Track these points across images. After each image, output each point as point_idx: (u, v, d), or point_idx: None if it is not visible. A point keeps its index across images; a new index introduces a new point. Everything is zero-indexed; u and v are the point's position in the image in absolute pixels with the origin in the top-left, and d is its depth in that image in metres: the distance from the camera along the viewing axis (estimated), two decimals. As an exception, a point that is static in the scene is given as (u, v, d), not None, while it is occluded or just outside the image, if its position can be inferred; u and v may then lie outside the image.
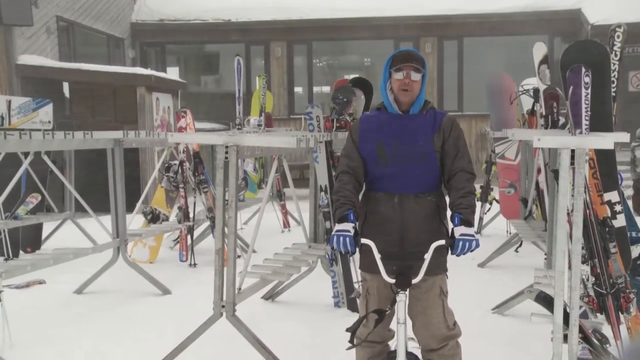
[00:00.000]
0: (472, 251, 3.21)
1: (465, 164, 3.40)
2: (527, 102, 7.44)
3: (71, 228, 8.51)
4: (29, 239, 8.30)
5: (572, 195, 3.43)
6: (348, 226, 3.25)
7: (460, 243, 3.17)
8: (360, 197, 3.58)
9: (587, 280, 4.06)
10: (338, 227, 3.26)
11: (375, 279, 3.39)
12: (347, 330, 3.19)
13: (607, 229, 4.08)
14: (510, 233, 8.26)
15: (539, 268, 5.42)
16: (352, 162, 3.46)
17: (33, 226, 8.23)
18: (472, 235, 3.20)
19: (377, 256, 3.21)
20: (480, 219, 9.37)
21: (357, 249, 3.34)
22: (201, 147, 8.47)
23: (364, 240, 3.27)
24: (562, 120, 5.83)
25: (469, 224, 3.24)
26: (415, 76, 3.35)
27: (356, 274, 5.55)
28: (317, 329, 5.33)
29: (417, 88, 3.38)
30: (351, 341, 3.20)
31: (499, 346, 4.92)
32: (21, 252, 7.94)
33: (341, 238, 3.21)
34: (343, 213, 3.29)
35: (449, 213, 3.43)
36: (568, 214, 3.52)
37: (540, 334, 4.44)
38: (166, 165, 8.15)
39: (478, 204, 9.28)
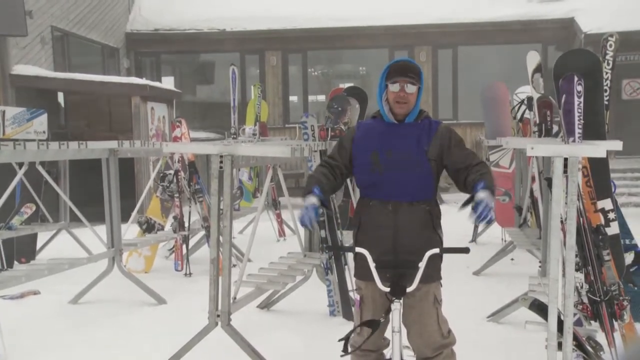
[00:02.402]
0: (488, 222, 3.15)
1: (476, 159, 3.39)
2: (521, 111, 7.48)
3: (66, 238, 8.49)
4: (24, 250, 8.28)
5: (566, 203, 3.45)
6: (312, 198, 3.29)
7: (482, 205, 3.03)
8: (355, 203, 3.61)
9: (581, 287, 4.07)
10: (304, 202, 3.30)
11: (369, 287, 3.40)
12: (340, 340, 3.19)
13: (600, 237, 4.10)
14: (505, 241, 8.27)
15: (534, 276, 5.44)
16: (332, 161, 3.54)
17: (27, 236, 8.21)
18: (491, 207, 3.07)
19: (372, 265, 3.22)
20: (475, 226, 9.38)
21: (352, 257, 3.37)
22: (196, 156, 8.48)
23: (358, 249, 3.29)
24: (555, 128, 5.87)
25: (492, 192, 3.12)
26: (411, 89, 3.36)
27: (351, 283, 5.56)
28: (312, 337, 5.32)
29: (413, 100, 3.39)
30: (345, 350, 3.19)
31: (494, 354, 4.92)
32: (15, 262, 7.91)
33: (305, 210, 3.25)
34: (309, 189, 3.35)
35: (442, 221, 3.45)
36: (562, 221, 3.54)
37: (535, 341, 4.45)
38: (161, 174, 8.15)
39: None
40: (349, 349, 3.29)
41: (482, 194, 3.07)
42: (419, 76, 3.38)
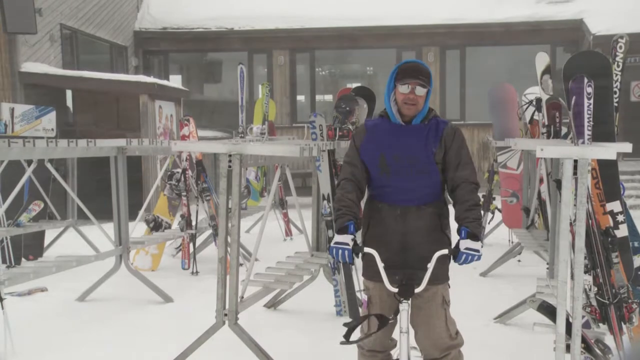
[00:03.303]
0: (473, 262, 3.24)
1: (469, 174, 3.39)
2: (530, 112, 7.46)
3: (73, 235, 8.52)
4: (32, 247, 8.30)
5: (575, 205, 3.44)
6: (347, 238, 3.27)
7: (464, 256, 3.21)
8: (363, 204, 3.59)
9: (590, 290, 4.06)
10: (337, 238, 3.28)
11: (377, 287, 3.40)
12: (345, 324, 3.14)
13: (609, 239, 4.08)
14: (512, 242, 8.25)
15: (542, 277, 5.42)
16: (356, 170, 3.46)
17: (35, 233, 8.23)
18: (477, 251, 3.22)
19: (380, 265, 3.21)
20: (483, 227, 9.36)
21: (360, 257, 3.37)
22: (204, 155, 8.49)
23: (367, 250, 3.28)
24: (564, 130, 5.84)
25: (476, 237, 3.25)
26: (421, 91, 3.32)
27: (358, 283, 5.56)
28: (319, 337, 5.32)
29: (422, 102, 3.36)
30: (346, 337, 3.10)
31: (501, 356, 4.91)
32: (23, 259, 7.93)
33: (340, 251, 3.24)
34: (343, 224, 3.31)
35: (451, 223, 3.43)
36: (570, 223, 3.53)
37: (543, 343, 4.45)
38: (169, 173, 8.16)
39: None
40: (356, 347, 3.28)
41: (464, 245, 3.23)
42: (429, 78, 3.34)
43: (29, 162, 7.28)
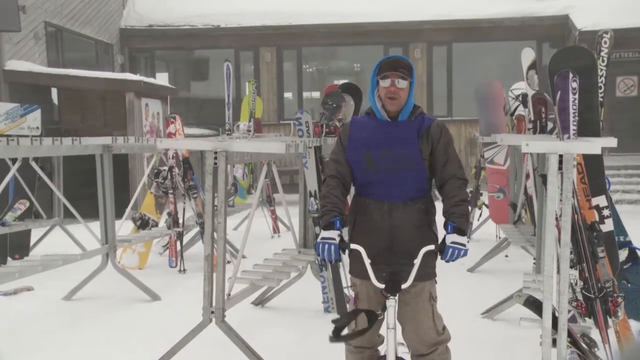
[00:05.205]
0: (460, 257, 3.23)
1: (456, 169, 3.39)
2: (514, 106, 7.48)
3: (60, 234, 8.48)
4: (17, 246, 8.25)
5: (560, 200, 3.45)
6: (333, 234, 3.26)
7: (450, 250, 3.20)
8: (350, 200, 3.59)
9: (576, 284, 4.08)
10: (323, 234, 3.27)
11: (364, 284, 3.39)
12: (333, 322, 3.09)
13: (595, 234, 4.10)
14: (499, 238, 8.28)
15: (528, 272, 5.44)
16: (341, 167, 3.45)
17: (21, 232, 8.18)
18: (464, 245, 3.22)
19: (367, 262, 3.21)
20: (470, 223, 9.38)
21: (347, 254, 3.36)
22: (191, 152, 8.46)
23: (353, 246, 3.27)
24: (550, 125, 5.86)
25: (462, 232, 3.25)
26: (402, 84, 3.32)
27: (346, 279, 5.55)
28: (307, 334, 5.32)
29: (404, 95, 3.36)
30: (335, 335, 3.06)
31: (488, 350, 4.93)
32: (9, 258, 7.89)
33: (326, 246, 3.23)
34: (329, 220, 3.30)
35: (438, 219, 3.43)
36: (556, 218, 3.54)
37: (530, 338, 4.46)
38: (155, 171, 8.13)
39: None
40: (345, 345, 3.27)
41: (450, 239, 3.23)
42: (410, 71, 3.34)
43: (14, 161, 7.23)
